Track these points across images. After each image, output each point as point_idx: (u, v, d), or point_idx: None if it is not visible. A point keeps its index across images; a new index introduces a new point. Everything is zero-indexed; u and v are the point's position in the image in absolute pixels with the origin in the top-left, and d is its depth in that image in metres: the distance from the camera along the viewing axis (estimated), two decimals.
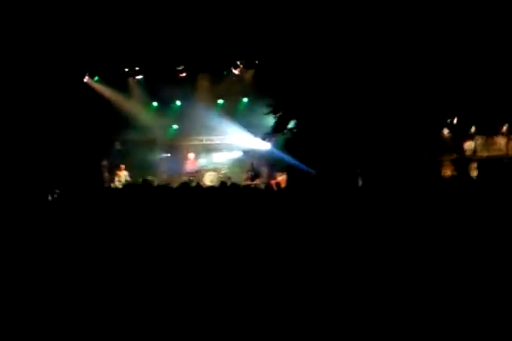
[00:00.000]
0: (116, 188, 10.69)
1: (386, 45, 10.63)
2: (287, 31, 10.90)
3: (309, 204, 5.78)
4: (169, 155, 13.39)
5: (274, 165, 12.28)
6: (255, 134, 13.00)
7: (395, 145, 11.12)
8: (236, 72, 12.51)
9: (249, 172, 12.14)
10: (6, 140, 11.06)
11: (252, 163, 12.40)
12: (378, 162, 10.95)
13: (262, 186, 11.02)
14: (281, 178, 11.83)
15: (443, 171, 11.50)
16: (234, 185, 7.67)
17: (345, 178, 10.43)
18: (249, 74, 12.65)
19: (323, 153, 11.37)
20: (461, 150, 11.79)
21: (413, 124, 11.15)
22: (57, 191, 6.89)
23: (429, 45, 10.42)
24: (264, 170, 12.75)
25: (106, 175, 12.65)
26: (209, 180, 12.71)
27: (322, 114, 11.45)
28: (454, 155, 11.76)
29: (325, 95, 11.33)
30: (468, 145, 11.77)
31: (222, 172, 13.17)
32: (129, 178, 12.16)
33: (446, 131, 12.04)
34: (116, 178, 12.28)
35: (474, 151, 11.69)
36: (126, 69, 12.83)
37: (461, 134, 11.83)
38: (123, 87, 13.07)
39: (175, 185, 9.12)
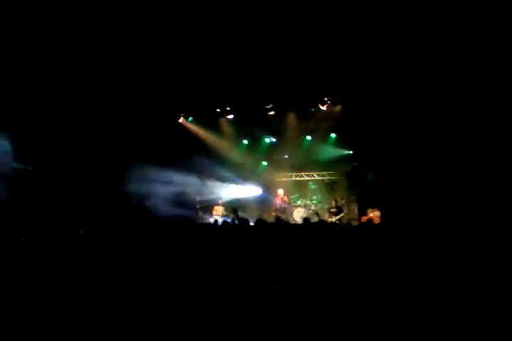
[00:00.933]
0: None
1: None
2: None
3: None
4: (260, 191, 13.59)
5: (365, 200, 11.96)
6: (343, 168, 12.91)
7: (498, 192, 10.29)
8: (323, 108, 12.60)
9: (332, 209, 11.92)
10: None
11: (335, 199, 12.20)
12: (482, 206, 10.10)
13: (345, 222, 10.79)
14: (374, 214, 11.45)
15: None
16: (321, 221, 7.56)
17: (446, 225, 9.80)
18: (336, 110, 12.68)
19: (419, 193, 10.93)
20: None
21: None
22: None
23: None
24: (353, 207, 12.49)
25: (199, 211, 13.12)
26: (298, 216, 12.68)
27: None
28: None
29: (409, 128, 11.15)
30: None
31: (312, 208, 13.11)
32: (225, 213, 12.50)
33: None
34: (214, 213, 12.68)
35: None
36: (218, 110, 13.42)
37: None
38: (215, 127, 13.66)
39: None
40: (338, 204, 12.10)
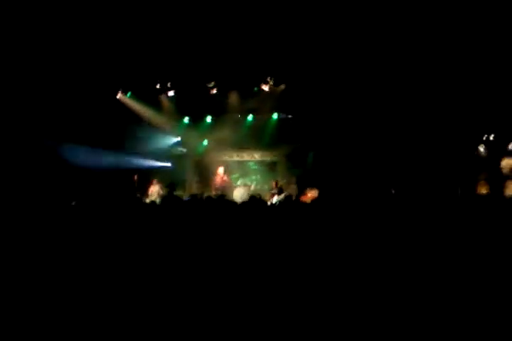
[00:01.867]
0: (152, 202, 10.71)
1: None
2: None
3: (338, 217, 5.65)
4: (199, 170, 13.43)
5: (304, 180, 12.11)
6: (284, 149, 12.99)
7: (429, 163, 10.91)
8: (266, 88, 12.53)
9: (272, 191, 12.00)
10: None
11: (276, 180, 12.27)
12: (412, 180, 10.72)
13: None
14: (311, 194, 11.63)
15: (478, 189, 11.14)
16: (261, 200, 7.56)
17: (379, 197, 10.23)
18: (279, 90, 12.66)
19: (354, 171, 11.25)
20: (498, 168, 11.41)
21: (449, 141, 10.94)
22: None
23: (464, 58, 10.25)
24: (293, 187, 12.61)
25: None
26: (238, 196, 12.65)
27: (351, 130, 11.39)
28: (490, 174, 11.39)
29: (353, 112, 11.29)
30: (506, 163, 11.37)
31: (252, 188, 13.13)
32: (162, 192, 12.18)
33: (482, 148, 11.72)
34: (149, 193, 12.33)
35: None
36: (158, 86, 13.04)
37: (498, 151, 11.48)
38: (155, 103, 13.29)
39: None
40: (279, 185, 12.17)
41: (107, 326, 3.12)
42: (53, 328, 3.08)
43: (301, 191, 11.65)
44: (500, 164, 11.41)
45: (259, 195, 10.76)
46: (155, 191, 12.24)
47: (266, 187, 12.92)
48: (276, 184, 12.14)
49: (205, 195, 9.63)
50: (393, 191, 10.63)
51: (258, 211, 6.73)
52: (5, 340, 2.75)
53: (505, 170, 11.33)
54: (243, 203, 8.47)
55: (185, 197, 11.13)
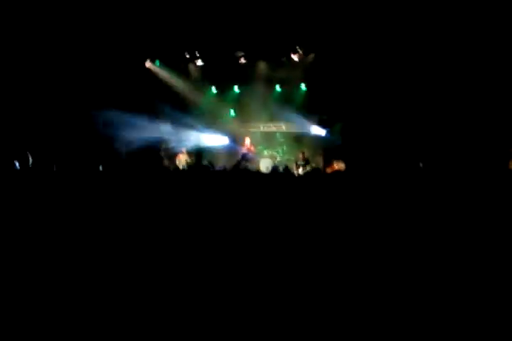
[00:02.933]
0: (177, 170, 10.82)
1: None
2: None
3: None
4: (227, 140, 13.46)
5: (331, 152, 12.03)
6: (313, 121, 12.87)
7: (460, 137, 10.68)
8: (295, 57, 12.33)
9: (299, 162, 11.98)
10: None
11: (302, 152, 12.22)
12: (442, 154, 10.55)
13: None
14: (338, 166, 11.56)
15: (511, 164, 10.87)
16: (287, 171, 7.58)
17: (407, 171, 10.12)
18: (308, 60, 12.45)
19: (382, 144, 11.10)
20: None
21: (481, 114, 10.67)
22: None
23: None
24: (319, 159, 12.55)
25: (165, 160, 12.89)
26: (264, 166, 12.68)
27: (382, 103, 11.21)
28: None
29: (384, 83, 11.07)
30: None
31: (278, 159, 13.13)
32: (190, 161, 12.32)
33: None
34: (177, 162, 12.49)
35: None
36: (187, 55, 12.99)
37: None
38: (183, 72, 13.28)
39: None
40: (306, 157, 12.14)
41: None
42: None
43: (328, 163, 11.62)
44: None
45: (286, 165, 10.82)
46: (183, 159, 12.41)
47: (292, 158, 12.90)
48: (304, 155, 12.11)
49: (233, 164, 9.67)
50: (421, 165, 10.49)
51: (284, 182, 6.75)
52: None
53: None
54: (269, 174, 8.51)
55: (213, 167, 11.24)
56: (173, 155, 12.66)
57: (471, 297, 3.08)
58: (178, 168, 10.93)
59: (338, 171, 10.26)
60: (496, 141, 10.85)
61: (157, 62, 13.33)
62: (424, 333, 2.63)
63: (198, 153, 12.06)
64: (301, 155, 12.10)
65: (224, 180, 5.85)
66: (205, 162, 10.98)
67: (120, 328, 2.70)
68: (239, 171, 6.94)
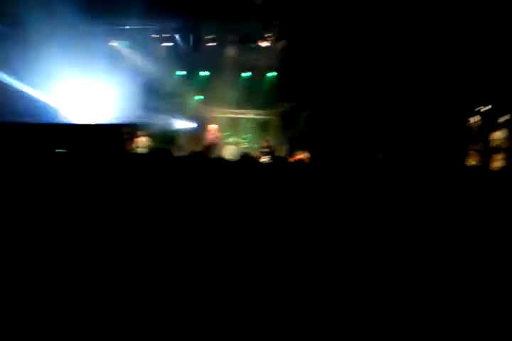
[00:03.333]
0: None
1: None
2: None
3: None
4: (192, 125, 13.31)
5: (295, 141, 12.09)
6: (278, 109, 12.88)
7: (420, 131, 10.93)
8: (265, 43, 12.27)
9: (263, 149, 11.97)
10: None
11: (267, 139, 12.22)
12: (401, 147, 10.80)
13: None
14: (302, 156, 11.65)
15: (468, 160, 11.22)
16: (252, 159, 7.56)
17: (367, 162, 10.30)
18: (278, 47, 12.41)
19: (345, 135, 11.25)
20: (488, 139, 11.45)
21: (441, 110, 10.92)
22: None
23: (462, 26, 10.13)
24: (283, 148, 12.60)
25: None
26: (229, 153, 12.62)
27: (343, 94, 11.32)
28: (481, 145, 11.43)
29: (349, 75, 11.16)
30: (497, 135, 11.40)
31: (243, 146, 13.10)
32: (150, 144, 12.03)
33: (473, 119, 11.71)
34: (136, 144, 12.17)
35: (503, 142, 11.31)
36: (155, 35, 12.73)
37: (490, 123, 11.48)
38: (151, 53, 13.00)
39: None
40: (270, 145, 12.14)
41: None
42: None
43: (292, 152, 11.70)
44: (490, 136, 11.45)
45: (249, 153, 10.78)
46: (143, 142, 12.05)
47: (256, 146, 12.89)
48: (268, 142, 12.10)
49: (195, 150, 9.56)
50: (381, 156, 10.72)
51: (249, 169, 6.74)
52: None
53: (495, 143, 11.37)
54: (234, 161, 8.48)
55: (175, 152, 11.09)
56: (136, 138, 12.38)
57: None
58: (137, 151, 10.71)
59: (301, 160, 10.39)
60: (455, 138, 11.19)
61: (123, 42, 12.98)
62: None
63: (161, 137, 11.84)
64: (265, 143, 12.10)
65: (186, 166, 5.79)
66: (166, 146, 10.76)
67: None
68: (201, 157, 6.86)
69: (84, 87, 11.87)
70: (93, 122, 11.59)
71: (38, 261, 3.37)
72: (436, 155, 10.69)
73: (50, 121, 11.31)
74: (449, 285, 3.23)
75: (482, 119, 11.61)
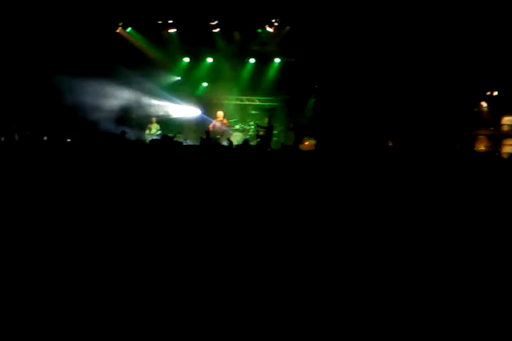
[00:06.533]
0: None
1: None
2: None
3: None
4: (199, 112, 13.26)
5: (302, 128, 12.00)
6: (285, 95, 12.77)
7: (428, 116, 10.84)
8: (270, 30, 12.13)
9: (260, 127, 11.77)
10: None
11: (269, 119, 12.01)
12: (410, 133, 10.71)
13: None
14: (309, 143, 11.59)
15: (477, 146, 11.14)
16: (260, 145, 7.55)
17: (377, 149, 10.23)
18: (283, 33, 12.25)
19: (353, 122, 11.17)
20: (499, 125, 11.33)
21: (449, 96, 10.81)
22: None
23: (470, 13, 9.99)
24: (290, 134, 12.52)
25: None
26: (235, 140, 12.59)
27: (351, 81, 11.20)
28: (491, 130, 11.33)
29: (356, 60, 11.04)
30: (507, 120, 11.28)
31: (249, 133, 13.05)
32: (160, 132, 12.11)
33: (484, 104, 11.59)
34: (147, 131, 12.27)
35: None
36: (160, 22, 12.59)
37: (500, 108, 11.36)
38: (156, 40, 12.87)
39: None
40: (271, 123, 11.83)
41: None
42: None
43: (299, 139, 11.63)
44: (500, 121, 11.34)
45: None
46: (154, 129, 12.20)
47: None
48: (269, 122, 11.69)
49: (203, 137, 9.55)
50: (390, 143, 10.65)
51: (254, 156, 6.72)
52: None
53: (505, 128, 11.27)
54: (238, 147, 8.46)
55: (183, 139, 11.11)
56: (143, 125, 12.42)
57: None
58: (150, 138, 10.74)
59: (311, 150, 10.36)
60: (461, 124, 11.10)
61: (129, 29, 12.86)
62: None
63: (170, 124, 11.86)
64: (266, 120, 11.81)
65: (196, 154, 5.80)
66: (174, 134, 10.75)
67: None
68: (210, 145, 6.87)
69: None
70: None
71: (41, 254, 3.38)
72: (445, 141, 10.62)
73: None
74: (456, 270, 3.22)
75: (492, 104, 11.51)
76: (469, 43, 10.35)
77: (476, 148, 11.06)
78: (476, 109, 11.65)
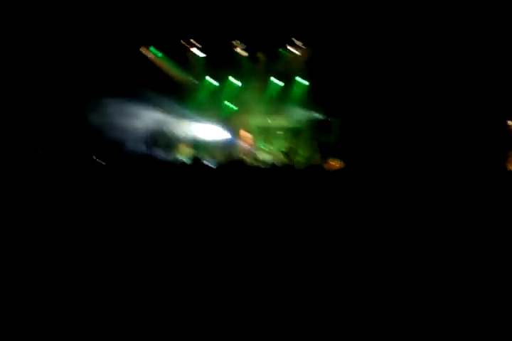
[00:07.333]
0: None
1: None
2: None
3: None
4: (225, 133, 13.29)
5: (327, 148, 11.93)
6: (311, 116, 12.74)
7: (458, 138, 10.68)
8: (294, 50, 12.22)
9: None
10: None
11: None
12: (439, 155, 10.53)
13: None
14: (335, 164, 11.47)
15: (508, 166, 10.88)
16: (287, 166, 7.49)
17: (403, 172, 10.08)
18: (307, 53, 12.32)
19: (380, 143, 11.08)
20: None
21: (479, 115, 10.67)
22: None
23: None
24: (316, 156, 12.42)
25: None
26: (261, 161, 12.55)
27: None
28: None
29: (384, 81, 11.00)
30: None
31: (275, 154, 12.99)
32: (188, 154, 12.15)
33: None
34: (176, 153, 12.32)
35: None
36: (183, 42, 12.79)
37: None
38: (180, 61, 13.05)
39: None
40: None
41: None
42: None
43: (325, 160, 11.57)
44: None
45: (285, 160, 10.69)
46: (185, 152, 12.21)
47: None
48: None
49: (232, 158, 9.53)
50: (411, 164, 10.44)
51: (282, 176, 6.66)
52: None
53: None
54: (267, 168, 8.41)
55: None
56: (172, 147, 12.47)
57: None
58: (182, 161, 10.78)
59: (339, 169, 10.26)
60: (495, 144, 10.89)
61: (151, 49, 13.07)
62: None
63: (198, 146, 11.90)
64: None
65: (225, 177, 5.76)
66: (202, 156, 10.78)
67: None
68: (239, 167, 6.83)
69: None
70: None
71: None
72: (476, 161, 10.40)
73: None
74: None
75: None
76: (498, 63, 10.28)
77: (507, 169, 10.83)
78: (506, 129, 11.45)
